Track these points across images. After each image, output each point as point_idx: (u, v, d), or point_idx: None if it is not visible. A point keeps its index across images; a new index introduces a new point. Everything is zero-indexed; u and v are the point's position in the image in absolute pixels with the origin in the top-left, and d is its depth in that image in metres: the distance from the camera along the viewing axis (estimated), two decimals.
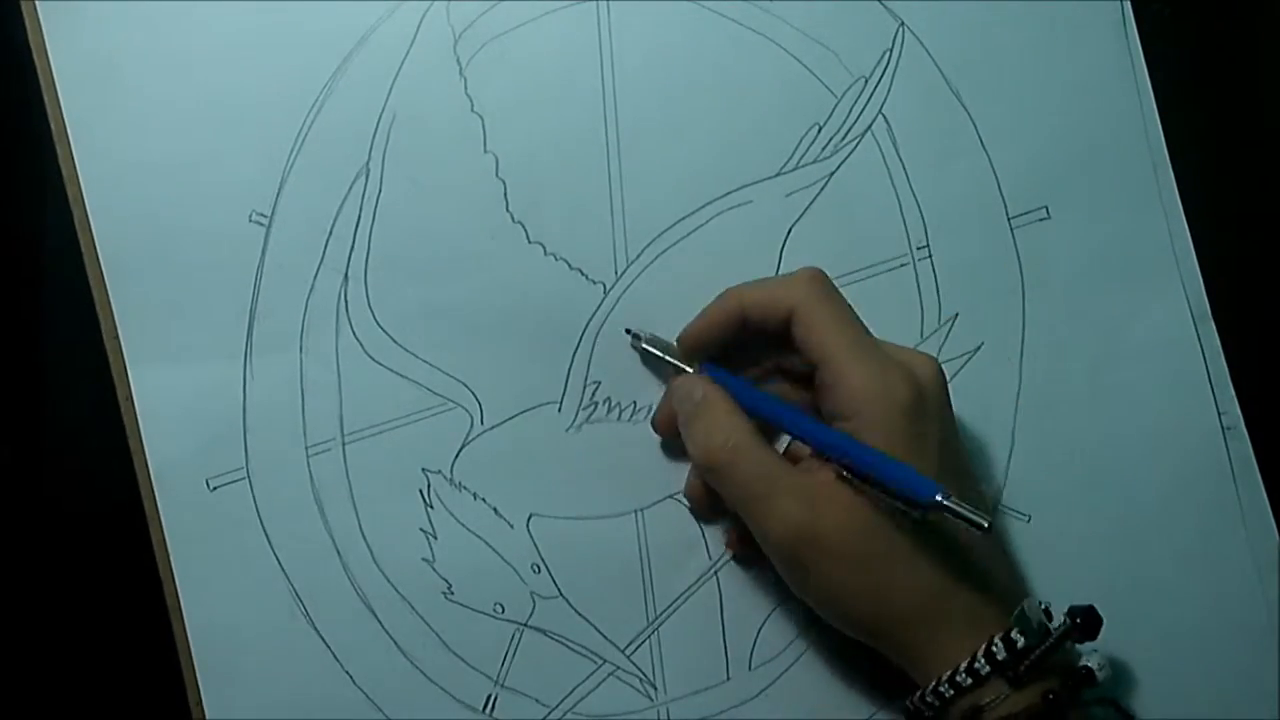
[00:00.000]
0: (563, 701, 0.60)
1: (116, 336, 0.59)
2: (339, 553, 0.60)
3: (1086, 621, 0.53)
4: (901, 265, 0.63)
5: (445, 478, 0.60)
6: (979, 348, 0.63)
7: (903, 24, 0.63)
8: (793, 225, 0.63)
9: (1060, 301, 0.64)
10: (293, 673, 0.59)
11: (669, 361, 0.60)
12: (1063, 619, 0.54)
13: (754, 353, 0.61)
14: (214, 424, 0.59)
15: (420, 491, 0.60)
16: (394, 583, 0.60)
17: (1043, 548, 0.62)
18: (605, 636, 0.61)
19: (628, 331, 0.61)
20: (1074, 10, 0.64)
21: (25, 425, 0.60)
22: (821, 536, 0.54)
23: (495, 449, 0.61)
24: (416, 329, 0.61)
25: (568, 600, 0.61)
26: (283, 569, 0.59)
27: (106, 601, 0.60)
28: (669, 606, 0.61)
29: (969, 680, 0.53)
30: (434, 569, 0.60)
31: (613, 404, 0.61)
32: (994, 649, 0.53)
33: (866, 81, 0.63)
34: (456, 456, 0.61)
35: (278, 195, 0.60)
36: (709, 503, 0.60)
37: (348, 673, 0.59)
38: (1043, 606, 0.54)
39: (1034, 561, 0.62)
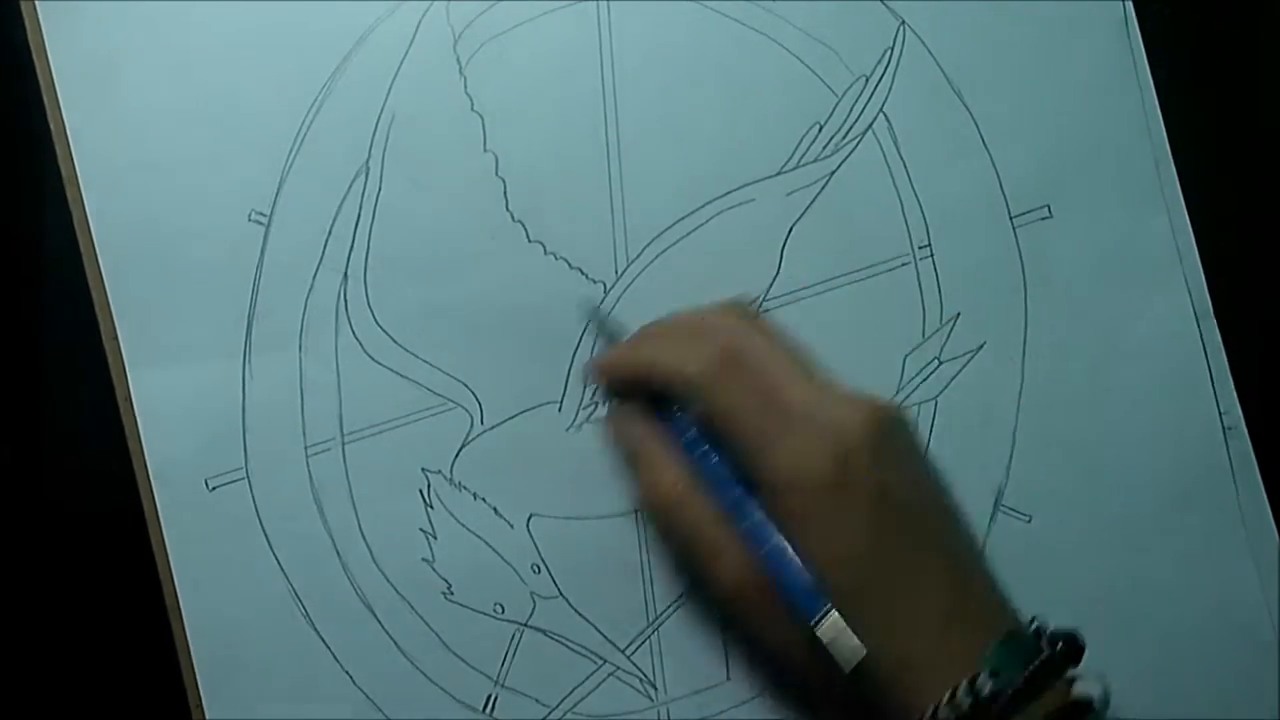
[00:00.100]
0: (563, 701, 0.60)
1: (116, 337, 0.59)
2: (338, 553, 0.60)
3: (1068, 649, 0.51)
4: (903, 265, 0.63)
5: (445, 478, 0.60)
6: (981, 347, 0.63)
7: (904, 23, 0.63)
8: (794, 224, 0.63)
9: (1062, 301, 0.64)
10: (292, 673, 0.59)
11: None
12: (1043, 648, 0.50)
13: None
14: (213, 424, 0.59)
15: (420, 491, 0.60)
16: (394, 583, 0.60)
17: (1043, 548, 0.62)
18: (605, 636, 0.61)
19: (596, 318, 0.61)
20: (1076, 9, 0.64)
21: (25, 425, 0.60)
22: (770, 587, 0.52)
23: (495, 449, 0.61)
24: (416, 328, 0.61)
25: (568, 600, 0.61)
26: (282, 569, 0.59)
27: (106, 601, 0.60)
28: (669, 606, 0.61)
29: None
30: (434, 569, 0.60)
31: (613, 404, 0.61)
32: (958, 697, 0.49)
33: (868, 80, 0.63)
34: (456, 456, 0.61)
35: (277, 195, 0.60)
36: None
37: (348, 673, 0.59)
38: (1035, 627, 0.52)
39: (1034, 561, 0.62)
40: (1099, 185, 0.64)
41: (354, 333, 0.60)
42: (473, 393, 0.61)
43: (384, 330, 0.60)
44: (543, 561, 0.61)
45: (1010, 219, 0.64)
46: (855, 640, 0.49)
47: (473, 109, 0.61)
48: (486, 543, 0.60)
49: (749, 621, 0.54)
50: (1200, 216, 0.64)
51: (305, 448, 0.60)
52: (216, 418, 0.59)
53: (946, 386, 0.63)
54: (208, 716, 0.59)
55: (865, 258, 0.63)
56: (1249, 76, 0.66)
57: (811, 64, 0.63)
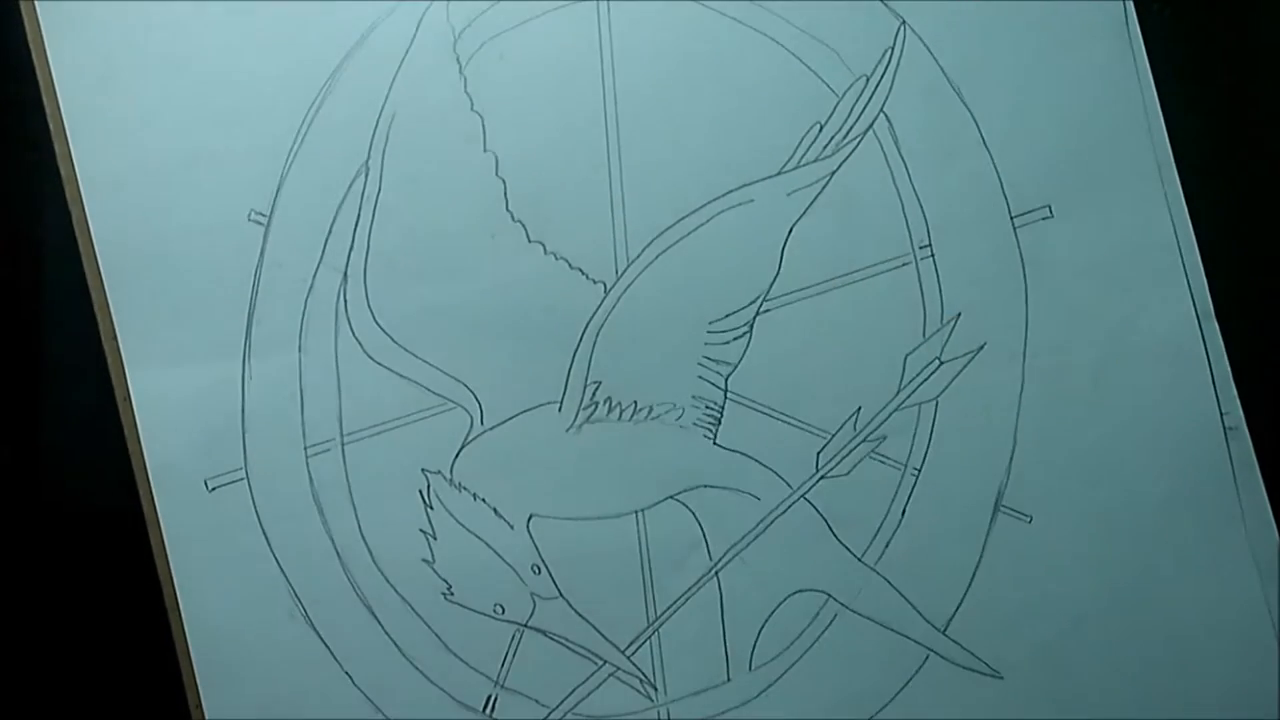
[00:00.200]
0: (563, 702, 0.60)
1: (115, 337, 0.59)
2: (338, 553, 0.60)
3: None
4: (904, 264, 0.63)
5: (445, 478, 0.60)
6: (981, 347, 0.63)
7: (904, 23, 0.63)
8: (794, 224, 0.62)
9: (1063, 301, 0.63)
10: (292, 673, 0.59)
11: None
12: None
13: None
14: (213, 424, 0.59)
15: (420, 492, 0.60)
16: (393, 583, 0.60)
17: (1043, 548, 0.62)
18: (605, 637, 0.61)
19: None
20: (1076, 9, 0.64)
21: (25, 426, 0.60)
22: None
23: (495, 449, 0.61)
24: (416, 328, 0.61)
25: (568, 601, 0.61)
26: (282, 569, 0.59)
27: (106, 602, 0.60)
28: (669, 607, 0.61)
29: None
30: (434, 570, 0.60)
31: (613, 404, 0.61)
32: None
33: (868, 80, 0.63)
34: (456, 457, 0.60)
35: (277, 194, 0.60)
36: None
37: (347, 673, 0.59)
38: None
39: (1034, 561, 0.62)
40: (1100, 185, 0.64)
41: (354, 333, 0.60)
42: (473, 393, 0.61)
43: (384, 330, 0.60)
44: (543, 562, 0.61)
45: (1010, 219, 0.63)
46: None
47: (473, 109, 0.61)
48: (486, 543, 0.60)
49: None
50: (1200, 217, 0.64)
51: (305, 448, 0.60)
52: (216, 418, 0.59)
53: (947, 387, 0.62)
54: (207, 717, 0.59)
55: (866, 257, 0.63)
56: (1249, 76, 0.66)
57: (811, 64, 0.63)
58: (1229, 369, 0.63)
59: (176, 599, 0.58)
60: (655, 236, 0.62)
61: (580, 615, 0.61)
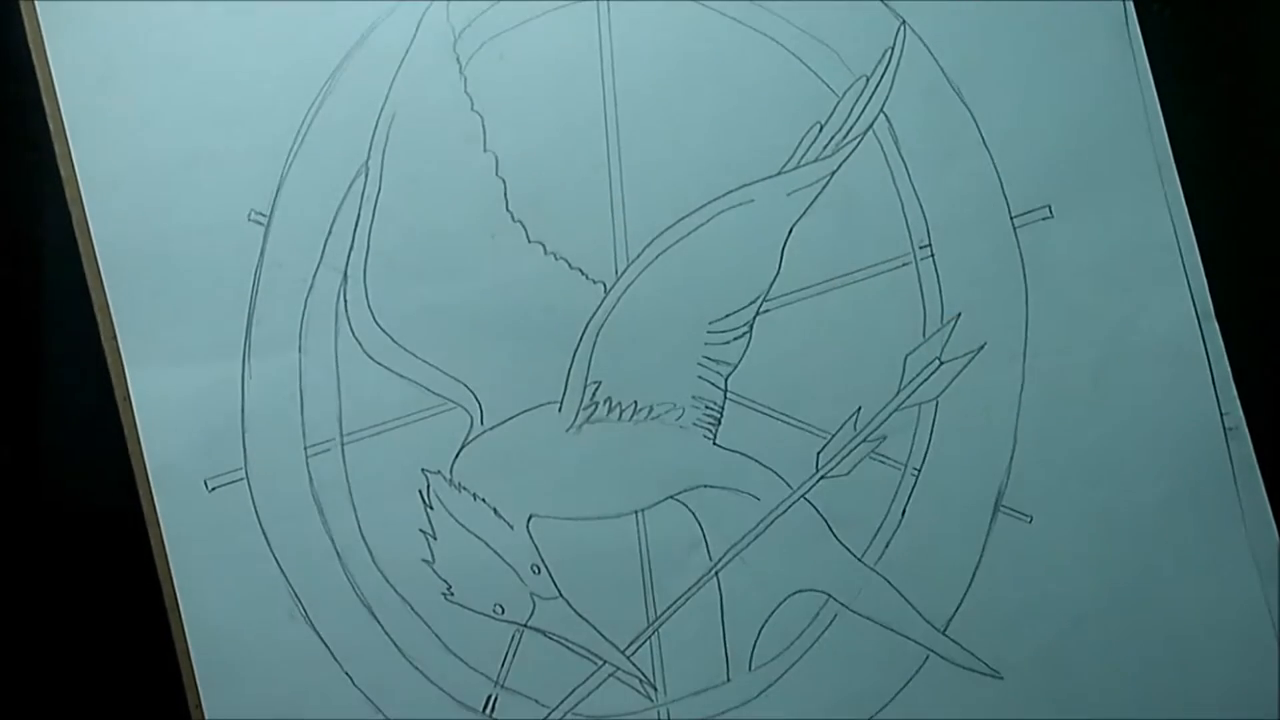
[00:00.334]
0: (563, 702, 0.60)
1: (115, 337, 0.59)
2: (338, 553, 0.60)
3: None
4: (904, 264, 0.63)
5: (445, 478, 0.60)
6: (981, 347, 0.63)
7: (904, 23, 0.63)
8: (794, 224, 0.62)
9: (1063, 301, 0.63)
10: (292, 673, 0.59)
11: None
12: None
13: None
14: (212, 424, 0.59)
15: (420, 492, 0.60)
16: (393, 584, 0.60)
17: (1043, 548, 0.62)
18: (605, 637, 0.61)
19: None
20: (1076, 9, 0.64)
21: (25, 425, 0.60)
22: None
23: (495, 449, 0.61)
24: (416, 328, 0.61)
25: (568, 601, 0.61)
26: (281, 569, 0.59)
27: (106, 602, 0.60)
28: (669, 607, 0.61)
29: None
30: (434, 570, 0.60)
31: (613, 404, 0.61)
32: None
33: (868, 80, 0.63)
34: (456, 457, 0.60)
35: (276, 194, 0.60)
36: None
37: (347, 673, 0.59)
38: None
39: (1034, 561, 0.62)
40: (1099, 185, 0.64)
41: (354, 333, 0.60)
42: (473, 393, 0.61)
43: (384, 330, 0.60)
44: (543, 562, 0.61)
45: (1011, 219, 0.63)
46: None
47: (473, 109, 0.61)
48: (486, 543, 0.60)
49: None
50: (1200, 217, 0.64)
51: (305, 448, 0.60)
52: (216, 418, 0.59)
53: (947, 387, 0.62)
54: (207, 717, 0.59)
55: (866, 257, 0.63)
56: (1249, 76, 0.66)
57: (811, 64, 0.63)
58: (1229, 369, 0.63)
59: (176, 599, 0.58)
60: (655, 236, 0.62)
61: (580, 615, 0.61)
